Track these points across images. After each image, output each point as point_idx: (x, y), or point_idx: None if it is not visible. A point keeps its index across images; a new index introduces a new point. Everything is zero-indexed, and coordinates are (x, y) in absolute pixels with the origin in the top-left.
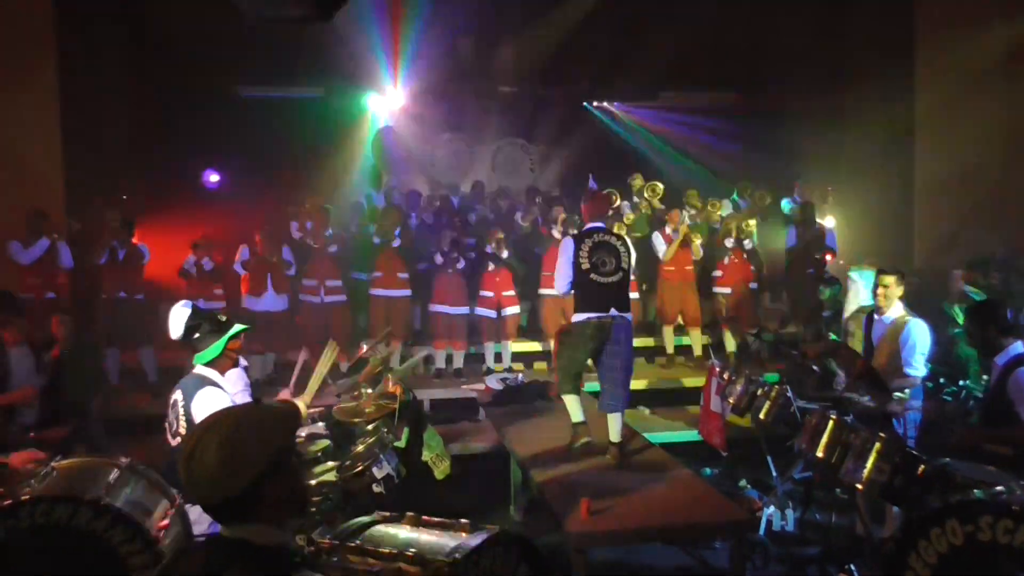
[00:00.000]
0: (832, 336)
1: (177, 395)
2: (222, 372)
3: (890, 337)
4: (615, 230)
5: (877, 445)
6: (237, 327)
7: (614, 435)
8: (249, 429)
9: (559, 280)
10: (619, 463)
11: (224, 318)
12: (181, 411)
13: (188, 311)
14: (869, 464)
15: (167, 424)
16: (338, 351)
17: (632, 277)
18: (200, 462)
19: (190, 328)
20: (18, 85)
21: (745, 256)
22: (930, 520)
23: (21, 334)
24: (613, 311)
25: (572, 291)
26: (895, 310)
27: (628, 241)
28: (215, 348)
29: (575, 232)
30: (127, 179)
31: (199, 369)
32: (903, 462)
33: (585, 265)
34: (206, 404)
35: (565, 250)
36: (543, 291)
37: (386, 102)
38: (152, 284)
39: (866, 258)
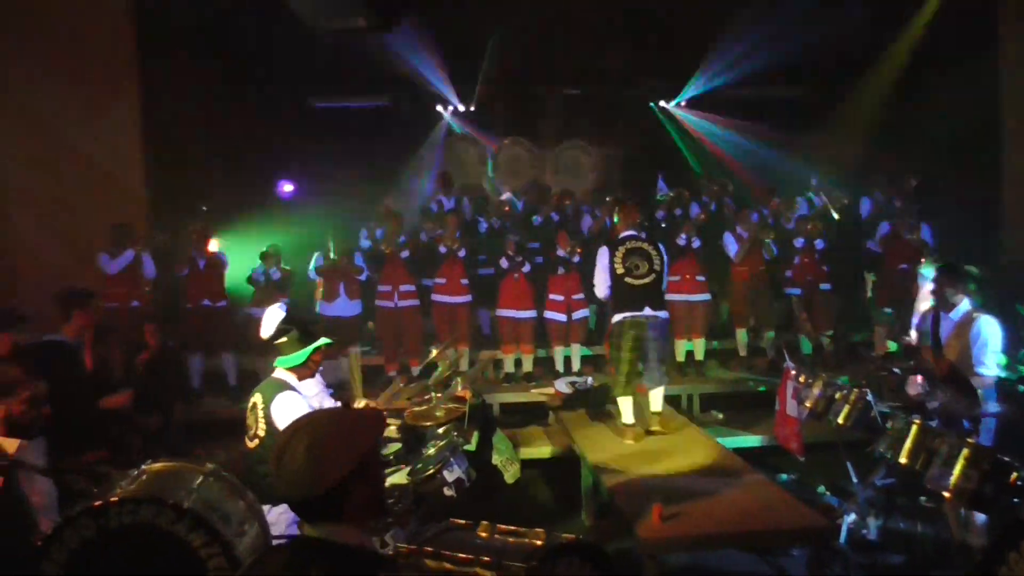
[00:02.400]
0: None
1: (256, 399)
2: (300, 379)
3: (958, 335)
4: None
5: (965, 451)
6: (323, 340)
7: (656, 406)
8: (338, 433)
9: (598, 285)
10: (661, 429)
11: (314, 330)
12: (261, 414)
13: (283, 314)
14: (957, 471)
15: (246, 427)
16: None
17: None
18: (289, 460)
19: (281, 331)
20: (104, 105)
21: (817, 257)
22: (1020, 531)
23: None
24: (648, 310)
25: (610, 294)
26: (962, 307)
27: (661, 246)
28: (299, 356)
29: (610, 240)
30: (207, 191)
31: (279, 373)
32: (993, 469)
33: (620, 270)
34: (285, 408)
35: (601, 257)
36: None
37: (451, 107)
38: (233, 291)
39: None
